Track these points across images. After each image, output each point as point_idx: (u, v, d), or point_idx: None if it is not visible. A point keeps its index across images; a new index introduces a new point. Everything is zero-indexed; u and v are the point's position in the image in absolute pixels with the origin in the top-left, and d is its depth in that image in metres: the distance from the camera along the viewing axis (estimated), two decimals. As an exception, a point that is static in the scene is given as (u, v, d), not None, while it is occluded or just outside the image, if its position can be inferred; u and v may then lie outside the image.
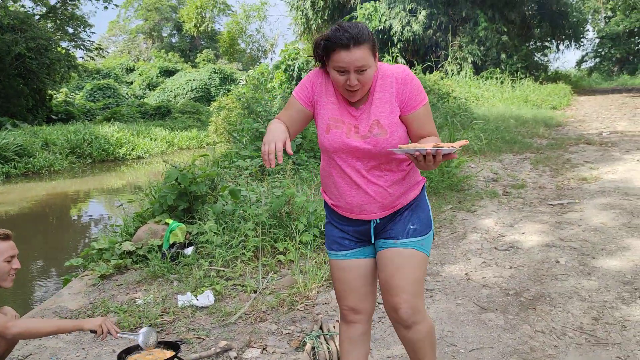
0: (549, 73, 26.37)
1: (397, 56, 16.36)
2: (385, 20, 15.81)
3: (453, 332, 3.39)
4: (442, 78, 14.02)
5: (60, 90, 33.15)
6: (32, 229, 9.85)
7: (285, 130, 2.09)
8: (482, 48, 17.28)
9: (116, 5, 34.16)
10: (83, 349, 3.60)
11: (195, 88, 37.64)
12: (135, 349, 2.97)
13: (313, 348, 3.27)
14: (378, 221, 2.25)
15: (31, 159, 17.03)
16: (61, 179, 16.15)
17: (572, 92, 22.39)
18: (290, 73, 16.00)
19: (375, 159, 2.15)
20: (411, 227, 2.21)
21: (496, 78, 16.88)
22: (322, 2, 18.92)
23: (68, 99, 33.13)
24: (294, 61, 16.12)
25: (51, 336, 3.80)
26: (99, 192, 13.91)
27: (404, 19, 15.57)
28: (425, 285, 4.20)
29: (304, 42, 20.65)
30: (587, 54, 40.80)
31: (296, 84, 18.54)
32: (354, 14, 17.11)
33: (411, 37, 15.93)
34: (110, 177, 16.85)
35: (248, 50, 41.40)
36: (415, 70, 14.24)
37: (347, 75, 2.01)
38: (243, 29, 39.86)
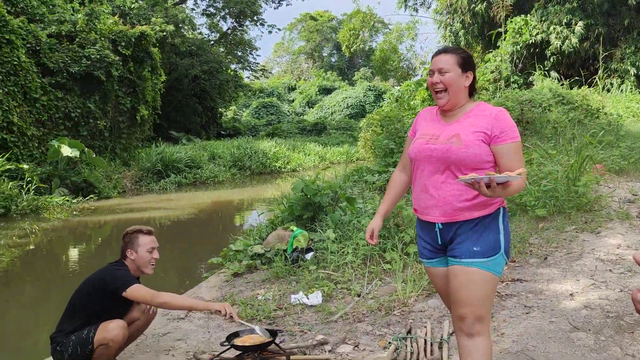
0: None
1: (549, 70, 15.68)
2: (537, 33, 15.25)
3: (536, 347, 3.46)
4: (593, 92, 13.16)
5: (230, 108, 36.53)
6: (194, 230, 11.22)
7: (379, 221, 2.81)
8: (647, 59, 15.78)
9: (279, 29, 36.89)
10: (208, 332, 4.26)
11: (351, 105, 39.03)
12: (241, 334, 3.53)
13: (397, 349, 3.56)
14: (441, 226, 2.48)
15: (199, 170, 19.13)
16: (223, 189, 17.93)
17: None
18: (435, 89, 15.99)
19: (446, 165, 2.42)
20: (474, 248, 2.41)
21: (662, 92, 15.30)
22: (471, 19, 18.75)
23: (236, 116, 36.40)
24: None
25: (185, 319, 4.55)
26: (254, 201, 15.25)
27: (561, 32, 14.86)
28: (524, 301, 4.25)
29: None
30: None
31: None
32: (502, 29, 16.71)
33: (565, 51, 15.13)
34: (266, 188, 18.29)
35: (401, 66, 41.91)
36: (562, 85, 13.56)
37: (433, 76, 2.49)
38: (395, 47, 40.49)
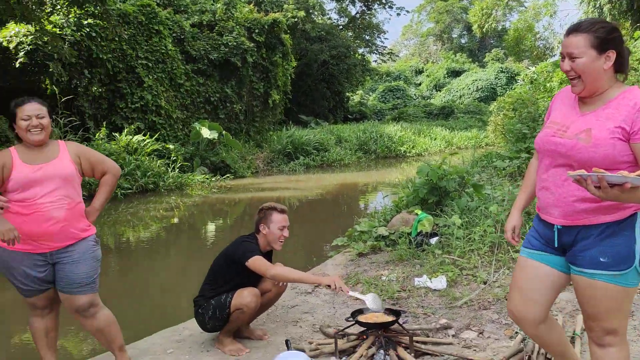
0: None
1: None
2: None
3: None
4: None
5: (356, 92, 36.85)
6: (320, 211, 11.60)
7: (518, 216, 2.54)
8: None
9: (407, 11, 36.39)
10: (334, 307, 4.45)
11: (481, 88, 37.60)
12: (365, 312, 3.65)
13: (524, 339, 3.48)
14: (560, 227, 2.21)
15: (326, 153, 19.63)
16: (349, 172, 18.26)
17: None
18: (574, 71, 14.85)
19: (569, 163, 2.13)
20: (601, 259, 2.10)
21: None
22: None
23: (362, 100, 36.65)
24: (579, 58, 14.90)
25: (312, 294, 4.78)
26: (378, 185, 15.37)
27: None
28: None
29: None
30: None
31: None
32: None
33: None
34: (391, 172, 18.31)
35: (537, 46, 39.43)
36: None
37: (564, 61, 2.17)
38: (531, 26, 38.10)
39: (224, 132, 16.33)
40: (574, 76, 2.13)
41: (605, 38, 2.08)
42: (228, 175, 15.60)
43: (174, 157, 14.57)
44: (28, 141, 2.97)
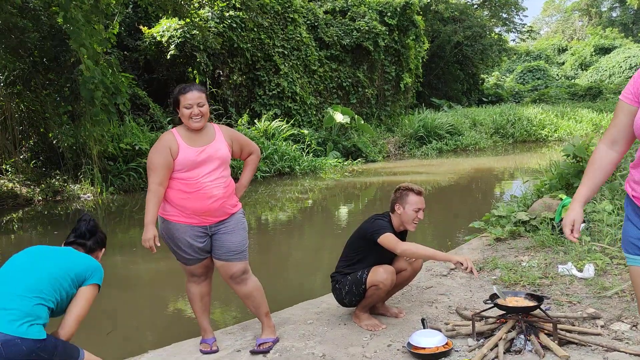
0: None
1: None
2: None
3: None
4: None
5: (492, 74, 35.27)
6: (454, 195, 11.37)
7: (579, 210, 2.19)
8: None
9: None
10: (470, 291, 4.37)
11: (635, 65, 34.17)
12: (503, 296, 3.55)
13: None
14: None
15: (460, 137, 19.09)
16: (484, 156, 17.61)
17: None
18: None
19: None
20: None
21: None
22: None
23: (498, 82, 34.99)
24: None
25: (448, 276, 4.73)
26: (516, 170, 14.67)
27: None
28: None
29: None
30: None
31: None
32: None
33: None
34: (530, 157, 17.38)
35: None
36: None
37: None
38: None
39: (355, 116, 16.53)
40: None
41: None
42: (359, 159, 15.79)
43: (308, 141, 15.05)
44: (190, 127, 3.26)
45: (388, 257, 3.80)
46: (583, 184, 2.20)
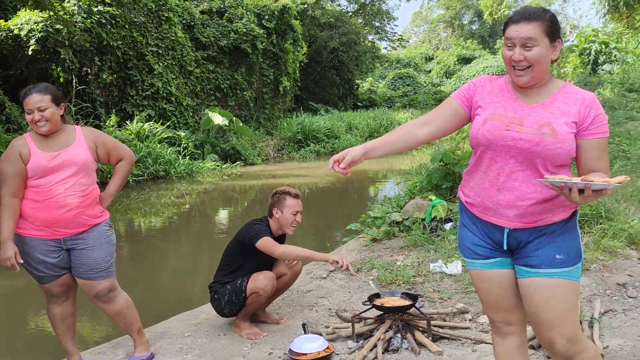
0: None
1: None
2: None
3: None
4: None
5: (366, 80, 36.66)
6: (331, 197, 11.60)
7: (359, 151, 2.11)
8: None
9: (418, -3, 35.99)
10: (349, 292, 4.44)
11: (492, 74, 37.26)
12: (382, 296, 3.65)
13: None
14: (510, 230, 2.08)
15: (337, 140, 19.57)
16: (360, 159, 18.16)
17: None
18: (587, 57, 14.77)
19: (531, 160, 1.99)
20: (557, 256, 2.02)
21: None
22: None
23: (372, 88, 36.43)
24: (591, 44, 14.81)
25: (327, 279, 4.77)
26: (389, 172, 15.32)
27: None
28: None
29: (612, 23, 18.65)
30: None
31: (592, 68, 16.91)
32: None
33: None
34: (402, 159, 18.19)
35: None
36: None
37: (514, 50, 1.98)
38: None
39: (234, 119, 16.33)
40: (525, 66, 1.97)
41: (555, 26, 1.99)
42: (238, 162, 15.62)
43: (184, 144, 14.59)
44: (37, 132, 2.96)
45: (268, 262, 3.75)
46: (378, 138, 2.23)
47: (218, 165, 14.78)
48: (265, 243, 3.52)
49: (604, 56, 15.21)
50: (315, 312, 4.04)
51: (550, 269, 2.02)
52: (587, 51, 15.35)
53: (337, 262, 3.45)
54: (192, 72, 16.47)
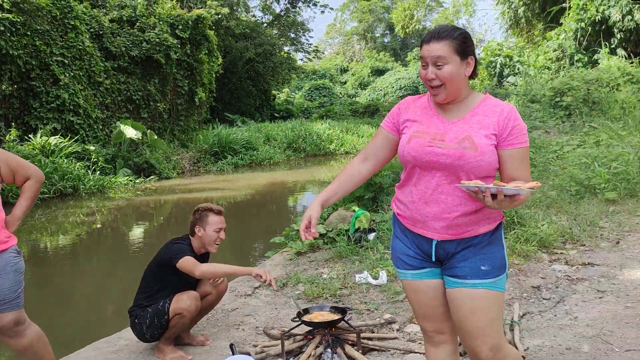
0: None
1: (615, 48, 14.96)
2: (603, 9, 14.57)
3: (612, 332, 3.37)
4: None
5: (283, 91, 36.75)
6: (251, 211, 11.44)
7: (317, 208, 2.23)
8: None
9: (332, 9, 36.62)
10: (276, 308, 4.36)
11: (404, 86, 38.54)
12: (311, 310, 3.60)
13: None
14: (438, 241, 2.14)
15: (255, 152, 19.41)
16: (279, 170, 18.14)
17: None
18: (493, 70, 15.61)
19: (456, 174, 2.06)
20: (482, 268, 2.09)
21: None
22: (532, -6, 18.08)
23: (289, 99, 36.58)
24: (497, 57, 15.67)
25: (252, 296, 4.66)
26: (309, 183, 15.37)
27: (624, 7, 14.15)
28: (596, 286, 4.14)
29: (514, 37, 19.91)
30: None
31: (498, 81, 17.89)
32: (565, 4, 16.01)
33: (633, 27, 14.38)
34: (320, 170, 18.37)
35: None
36: (632, 63, 12.93)
37: (427, 69, 2.06)
38: (451, 24, 39.60)
39: (147, 131, 15.78)
40: (438, 84, 2.05)
41: (467, 43, 2.06)
42: (153, 176, 15.09)
43: (94, 158, 13.90)
44: None
45: (191, 282, 3.61)
46: (329, 186, 2.32)
47: (131, 180, 14.20)
48: (185, 263, 3.38)
49: (509, 69, 16.17)
50: (242, 331, 3.93)
51: (476, 280, 2.09)
52: (493, 64, 16.23)
53: (261, 276, 3.37)
54: (102, 83, 15.75)
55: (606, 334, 3.36)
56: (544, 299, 4.04)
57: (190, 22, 17.91)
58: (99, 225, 9.93)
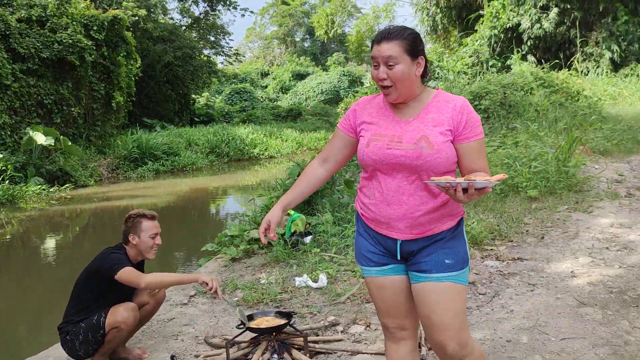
0: None
1: (526, 54, 15.91)
2: (514, 17, 15.43)
3: (547, 323, 3.52)
4: (572, 76, 13.44)
5: (203, 95, 36.04)
6: (176, 219, 11.09)
7: (278, 213, 2.27)
8: (622, 43, 16.18)
9: (252, 12, 36.47)
10: (215, 316, 4.22)
11: (325, 91, 38.89)
12: (255, 317, 3.51)
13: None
14: (402, 240, 2.16)
15: (177, 157, 18.87)
16: (202, 176, 17.73)
17: None
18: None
19: (417, 174, 2.08)
20: (446, 261, 2.12)
21: (637, 75, 15.73)
22: (447, 2, 18.79)
23: (209, 103, 35.93)
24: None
25: (189, 304, 4.49)
26: (234, 188, 15.14)
27: (533, 16, 15.08)
28: (527, 279, 4.33)
29: (431, 43, 20.64)
30: None
31: (420, 84, 18.42)
32: (481, 12, 16.82)
33: (541, 35, 15.36)
34: (245, 175, 18.16)
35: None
36: (543, 68, 13.79)
37: (379, 69, 2.07)
38: (372, 29, 40.43)
39: (61, 137, 14.93)
40: (389, 85, 2.07)
41: (417, 43, 2.08)
42: (68, 184, 14.29)
43: (2, 167, 12.98)
44: None
45: (127, 293, 3.43)
46: (289, 190, 2.37)
47: (44, 189, 13.37)
48: (127, 274, 3.20)
49: (430, 73, 16.67)
50: (181, 342, 3.77)
51: (441, 273, 2.12)
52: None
53: (207, 284, 3.27)
54: (10, 86, 14.73)
55: (542, 324, 3.51)
56: (480, 294, 4.17)
57: (105, 23, 17.14)
58: (8, 238, 9.27)
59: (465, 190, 1.90)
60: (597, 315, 3.57)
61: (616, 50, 16.13)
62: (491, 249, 5.10)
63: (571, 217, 5.79)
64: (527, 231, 5.48)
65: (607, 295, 3.87)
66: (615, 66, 16.48)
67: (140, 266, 3.56)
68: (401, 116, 2.14)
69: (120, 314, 3.20)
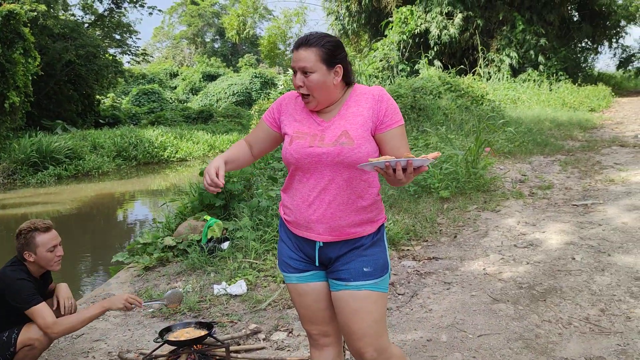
0: (592, 74, 25.97)
1: (433, 59, 16.59)
2: (421, 23, 16.03)
3: (464, 320, 3.64)
4: (476, 80, 14.17)
5: (108, 95, 34.43)
6: (81, 227, 10.48)
7: (222, 164, 2.13)
8: (520, 50, 17.33)
9: (160, 11, 35.30)
10: (129, 330, 4.01)
11: (237, 92, 38.41)
12: (174, 329, 3.36)
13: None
14: (322, 244, 2.14)
15: (81, 161, 17.85)
16: (109, 181, 16.90)
17: (614, 94, 22.03)
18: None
19: (338, 173, 2.07)
20: (365, 269, 2.10)
21: (534, 80, 16.92)
22: (357, 7, 19.18)
23: (115, 104, 34.37)
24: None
25: (100, 318, 4.23)
26: (143, 193, 14.57)
27: (440, 23, 15.75)
28: (443, 278, 4.46)
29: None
30: (633, 55, 39.57)
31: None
32: (390, 18, 17.32)
33: (447, 41, 16.07)
34: (155, 179, 17.51)
35: (288, 54, 42.03)
36: (450, 73, 14.43)
37: (296, 76, 2.06)
38: (284, 33, 40.45)
39: (-52, 140, 13.70)
40: (307, 92, 2.06)
41: (334, 52, 2.06)
42: (-42, 191, 13.13)
43: None
44: None
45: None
46: (229, 150, 2.29)
47: None
48: (40, 315, 2.97)
49: (354, 79, 16.95)
50: (93, 359, 3.54)
51: (359, 282, 2.11)
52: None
53: (126, 308, 3.13)
54: None
55: (459, 322, 3.62)
56: (399, 294, 4.24)
57: (0, 18, 15.95)
58: None
59: (404, 170, 1.88)
60: (509, 310, 3.74)
61: (514, 56, 17.24)
62: (407, 249, 5.22)
63: (481, 216, 6.07)
64: (440, 231, 5.67)
65: (518, 291, 4.07)
66: (514, 72, 17.60)
67: (45, 277, 3.32)
68: (324, 116, 2.14)
69: (35, 330, 2.97)
